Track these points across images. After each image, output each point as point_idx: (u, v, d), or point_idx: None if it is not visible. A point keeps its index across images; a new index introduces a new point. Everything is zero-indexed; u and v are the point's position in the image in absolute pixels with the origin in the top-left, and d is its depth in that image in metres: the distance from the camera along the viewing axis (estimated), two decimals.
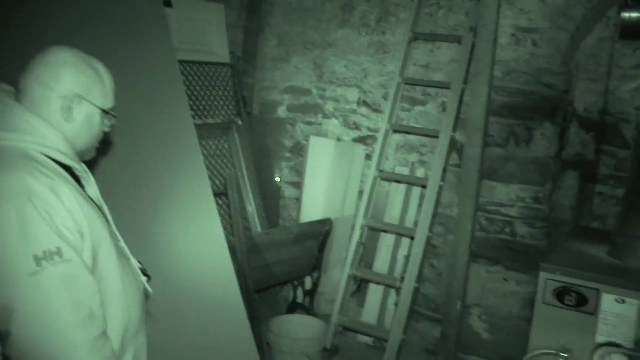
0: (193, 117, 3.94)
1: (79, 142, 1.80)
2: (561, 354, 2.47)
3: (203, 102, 4.58)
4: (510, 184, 4.11)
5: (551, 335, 2.53)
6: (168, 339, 2.93)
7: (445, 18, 4.44)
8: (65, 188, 1.62)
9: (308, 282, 4.64)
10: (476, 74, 4.01)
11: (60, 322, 1.54)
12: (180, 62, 3.86)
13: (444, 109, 4.35)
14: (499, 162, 4.13)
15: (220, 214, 3.58)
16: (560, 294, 2.49)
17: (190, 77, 4.47)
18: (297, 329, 4.15)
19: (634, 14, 3.50)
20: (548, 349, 2.51)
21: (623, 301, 2.37)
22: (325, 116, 5.04)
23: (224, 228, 3.53)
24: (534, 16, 3.98)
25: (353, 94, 4.90)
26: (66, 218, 1.59)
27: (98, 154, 1.99)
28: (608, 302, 2.41)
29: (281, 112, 5.24)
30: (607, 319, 2.42)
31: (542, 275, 2.54)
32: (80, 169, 1.80)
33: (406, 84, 4.50)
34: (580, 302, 2.45)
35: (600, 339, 2.44)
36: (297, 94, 5.16)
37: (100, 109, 1.80)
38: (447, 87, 4.26)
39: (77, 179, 1.78)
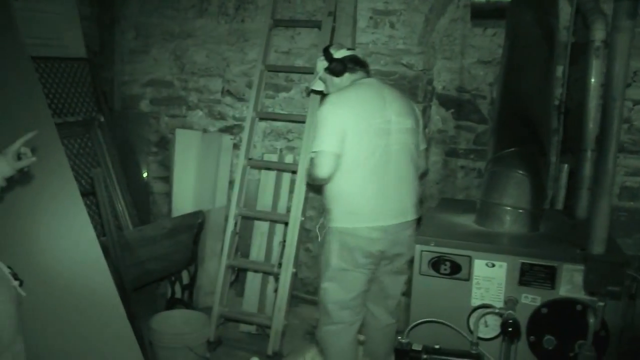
0: (52, 116, 3.76)
1: None
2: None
3: (62, 100, 4.35)
4: None
5: (430, 305, 2.64)
6: (47, 343, 2.83)
7: (303, 4, 4.49)
8: None
9: (185, 276, 4.56)
10: None
11: None
12: (32, 58, 3.63)
13: (308, 94, 4.39)
14: None
15: (89, 214, 3.46)
16: (436, 264, 2.59)
17: (45, 75, 4.23)
18: (179, 324, 4.08)
19: None
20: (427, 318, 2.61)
21: (493, 265, 2.51)
22: (190, 108, 4.96)
23: (95, 228, 3.43)
24: None
25: (216, 84, 4.85)
26: None
27: None
28: (479, 267, 2.54)
29: (144, 106, 5.10)
30: (479, 283, 2.55)
31: (417, 247, 2.63)
32: None
33: (269, 71, 4.51)
34: (454, 270, 2.57)
35: (474, 302, 2.57)
36: (159, 86, 5.03)
37: None
38: (310, 72, 4.29)
39: None
